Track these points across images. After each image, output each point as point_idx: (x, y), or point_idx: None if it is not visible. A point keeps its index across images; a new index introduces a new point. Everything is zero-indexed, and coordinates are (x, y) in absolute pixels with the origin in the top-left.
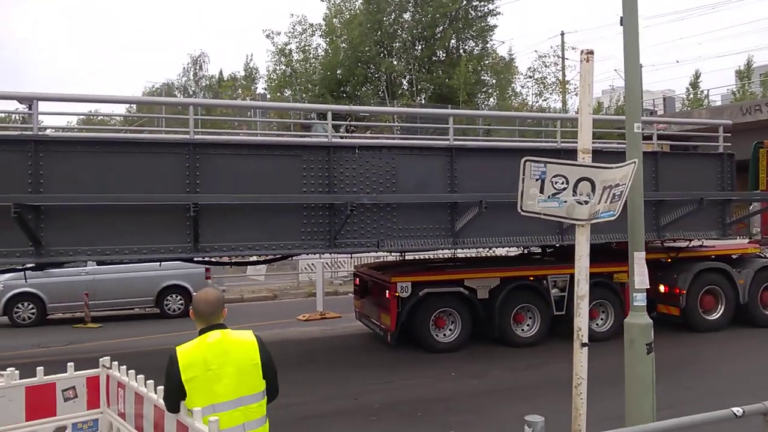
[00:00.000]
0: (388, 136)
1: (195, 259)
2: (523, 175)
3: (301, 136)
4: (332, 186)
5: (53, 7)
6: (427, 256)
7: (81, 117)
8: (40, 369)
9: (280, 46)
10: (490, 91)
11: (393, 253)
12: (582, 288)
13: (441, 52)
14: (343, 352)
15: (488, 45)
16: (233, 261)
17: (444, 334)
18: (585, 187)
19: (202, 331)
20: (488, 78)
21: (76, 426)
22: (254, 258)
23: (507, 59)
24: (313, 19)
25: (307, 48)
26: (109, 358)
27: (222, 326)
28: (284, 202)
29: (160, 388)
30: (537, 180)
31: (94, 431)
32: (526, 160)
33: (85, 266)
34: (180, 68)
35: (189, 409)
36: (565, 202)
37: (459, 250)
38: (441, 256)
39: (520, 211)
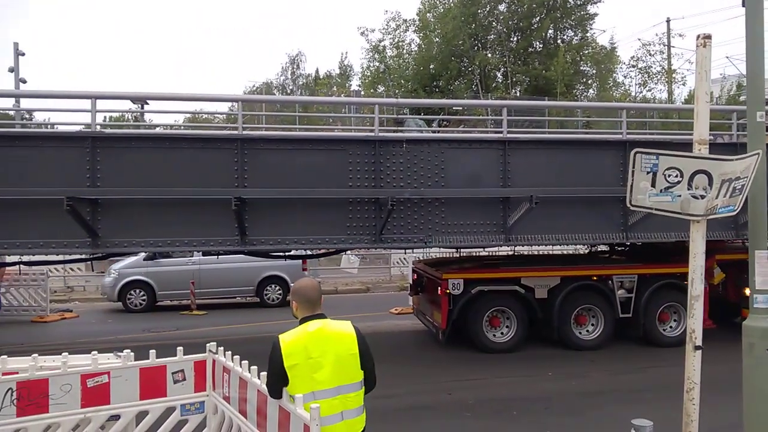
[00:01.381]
0: (482, 130)
1: (246, 250)
2: (633, 167)
3: (394, 131)
4: (379, 180)
5: (155, 8)
6: (486, 253)
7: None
8: (152, 352)
9: (374, 43)
10: (589, 82)
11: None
12: (696, 288)
13: (538, 42)
14: (434, 346)
15: (588, 34)
16: (287, 255)
17: (501, 333)
18: (701, 180)
19: (303, 321)
20: (588, 68)
21: (184, 407)
22: (301, 252)
23: (608, 48)
24: (406, 14)
25: (400, 44)
26: (215, 343)
27: (322, 316)
28: (329, 197)
29: (263, 373)
30: (648, 173)
31: (200, 413)
32: (636, 152)
33: (192, 256)
34: (279, 68)
35: (291, 396)
36: (679, 196)
37: (520, 247)
38: (502, 253)
39: (629, 205)
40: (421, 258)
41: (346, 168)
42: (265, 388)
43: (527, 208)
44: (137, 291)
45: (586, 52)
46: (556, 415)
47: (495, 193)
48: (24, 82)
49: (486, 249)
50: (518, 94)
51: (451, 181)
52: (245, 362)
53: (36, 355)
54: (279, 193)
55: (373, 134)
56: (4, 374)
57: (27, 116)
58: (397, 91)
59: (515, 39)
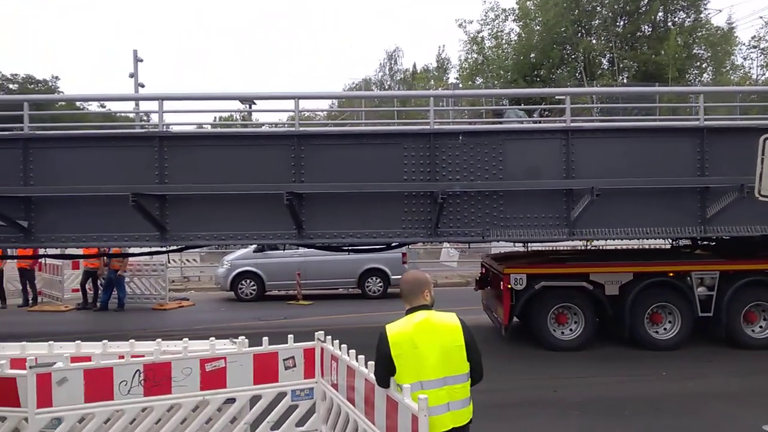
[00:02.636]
0: (586, 119)
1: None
2: (762, 155)
3: (492, 123)
4: (434, 174)
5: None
6: (564, 248)
7: (290, 114)
8: (265, 339)
9: (472, 35)
10: (704, 65)
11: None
12: None
13: (646, 26)
14: (537, 342)
15: (702, 15)
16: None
17: (569, 330)
18: None
19: (408, 311)
20: (702, 52)
21: (294, 393)
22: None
23: (725, 29)
24: (505, 4)
25: (499, 34)
26: (323, 332)
27: (427, 307)
28: (384, 191)
29: (371, 363)
30: None
31: (309, 399)
32: (765, 138)
33: (297, 249)
34: (377, 64)
35: (398, 385)
36: None
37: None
38: (569, 247)
39: (758, 196)
40: (521, 250)
41: (401, 161)
42: (373, 377)
43: (589, 201)
44: (248, 281)
45: (700, 33)
46: (672, 416)
47: (557, 184)
48: (142, 86)
49: (560, 244)
50: (625, 81)
51: (511, 173)
52: (353, 351)
53: (160, 339)
54: (334, 188)
55: (428, 127)
56: (132, 356)
57: (144, 118)
58: (495, 82)
59: (622, 23)
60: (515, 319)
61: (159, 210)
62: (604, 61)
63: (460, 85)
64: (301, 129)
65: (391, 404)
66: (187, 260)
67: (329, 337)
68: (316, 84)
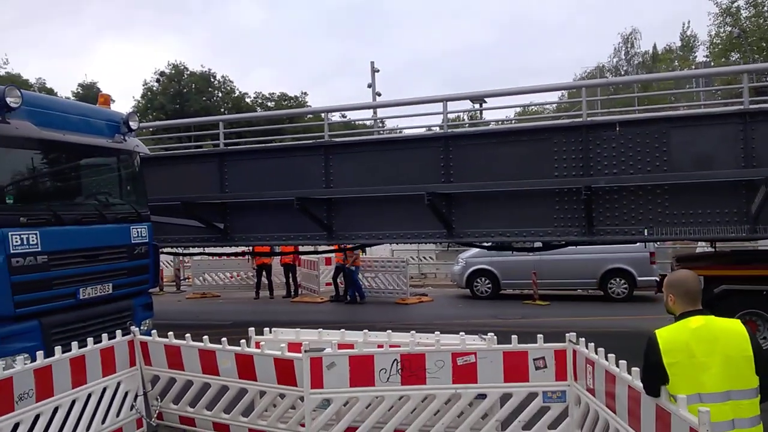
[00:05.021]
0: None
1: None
2: None
3: (754, 103)
4: (588, 169)
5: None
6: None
7: (517, 109)
8: (514, 337)
9: (724, 6)
10: None
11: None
12: None
13: None
14: None
15: None
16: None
17: (762, 338)
18: None
19: (681, 316)
20: None
21: (545, 394)
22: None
23: None
24: None
25: (760, 2)
26: (575, 334)
27: (704, 312)
28: (534, 188)
29: (635, 369)
30: None
31: (562, 402)
32: None
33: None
34: (611, 49)
35: (671, 395)
36: None
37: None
38: None
39: None
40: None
41: (552, 157)
42: (639, 385)
43: (765, 193)
44: (483, 279)
45: None
46: None
47: (734, 175)
48: (379, 95)
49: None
50: None
51: (676, 165)
52: (611, 355)
53: (413, 332)
54: (481, 187)
55: (580, 120)
56: (390, 346)
57: (380, 124)
58: (757, 56)
59: None
60: None
61: (326, 212)
62: None
63: (711, 63)
64: (449, 131)
65: (663, 416)
66: (424, 257)
67: (582, 339)
68: (546, 76)
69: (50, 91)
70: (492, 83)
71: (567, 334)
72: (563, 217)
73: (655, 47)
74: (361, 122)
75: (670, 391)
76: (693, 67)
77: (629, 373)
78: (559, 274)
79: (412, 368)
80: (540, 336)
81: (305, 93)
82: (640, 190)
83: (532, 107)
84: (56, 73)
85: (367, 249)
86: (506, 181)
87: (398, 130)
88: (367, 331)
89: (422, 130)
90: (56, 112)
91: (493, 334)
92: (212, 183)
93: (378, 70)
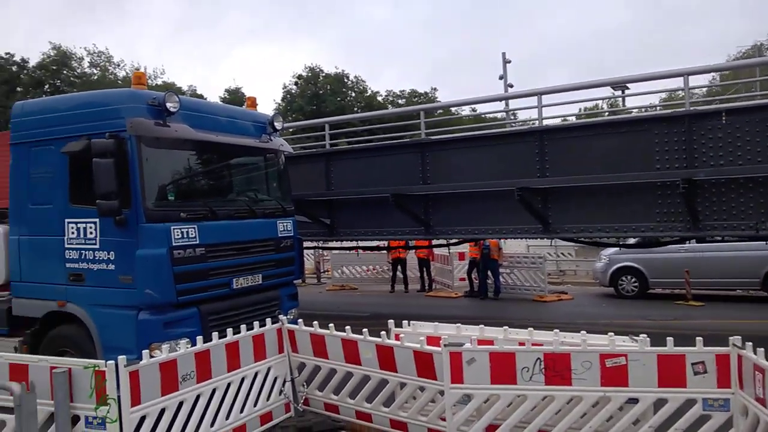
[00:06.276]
0: None
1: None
2: None
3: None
4: (691, 161)
5: None
6: None
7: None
8: (669, 339)
9: None
10: None
11: None
12: None
13: None
14: None
15: None
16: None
17: None
18: None
19: None
20: None
21: (706, 402)
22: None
23: None
24: None
25: None
26: (740, 338)
27: None
28: (633, 182)
29: None
30: None
31: (725, 411)
32: None
33: (684, 244)
34: None
35: None
36: None
37: None
38: None
39: None
40: None
41: (652, 149)
42: None
43: None
44: (628, 277)
45: None
46: None
47: None
48: (511, 86)
49: None
50: None
51: None
52: None
53: (557, 330)
54: (577, 181)
55: (683, 109)
56: (533, 345)
57: (512, 116)
58: None
59: None
60: None
61: (423, 208)
62: None
63: None
64: (543, 125)
65: None
66: (562, 254)
67: (749, 343)
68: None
69: (200, 97)
70: (628, 68)
71: (731, 338)
72: (665, 211)
73: None
74: (491, 115)
75: None
76: None
77: None
78: (716, 273)
79: (557, 368)
80: (699, 339)
81: (435, 88)
82: (750, 182)
83: (679, 92)
84: (204, 80)
85: (502, 244)
86: (603, 174)
87: (531, 122)
88: (507, 327)
89: (558, 121)
90: (209, 114)
91: (645, 335)
92: (318, 181)
93: (509, 61)
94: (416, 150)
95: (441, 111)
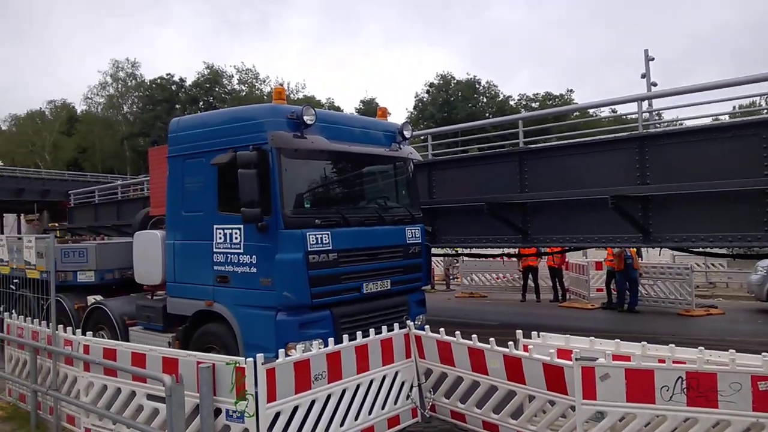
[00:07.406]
0: None
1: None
2: None
3: None
4: None
5: None
6: None
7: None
8: None
9: None
10: None
11: None
12: None
13: None
14: None
15: None
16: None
17: None
18: None
19: None
20: None
21: None
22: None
23: None
24: None
25: None
26: None
27: None
28: (738, 189)
29: None
30: None
31: None
32: None
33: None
34: None
35: None
36: None
37: None
38: None
39: None
40: None
41: (760, 154)
42: None
43: None
44: None
45: None
46: None
47: None
48: (654, 85)
49: None
50: None
51: None
52: None
53: (702, 348)
54: (677, 189)
55: None
56: (673, 362)
57: (656, 116)
58: None
59: None
60: None
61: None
62: None
63: None
64: (644, 131)
65: None
66: (712, 264)
67: None
68: None
69: (337, 108)
70: None
71: None
72: None
73: None
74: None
75: None
76: None
77: None
78: None
79: (701, 389)
80: None
81: (571, 90)
82: None
83: None
84: (341, 91)
85: (643, 253)
86: (707, 181)
87: (677, 123)
88: (645, 343)
89: (708, 120)
90: (342, 125)
91: None
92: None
93: (653, 58)
94: (514, 159)
95: (577, 113)
